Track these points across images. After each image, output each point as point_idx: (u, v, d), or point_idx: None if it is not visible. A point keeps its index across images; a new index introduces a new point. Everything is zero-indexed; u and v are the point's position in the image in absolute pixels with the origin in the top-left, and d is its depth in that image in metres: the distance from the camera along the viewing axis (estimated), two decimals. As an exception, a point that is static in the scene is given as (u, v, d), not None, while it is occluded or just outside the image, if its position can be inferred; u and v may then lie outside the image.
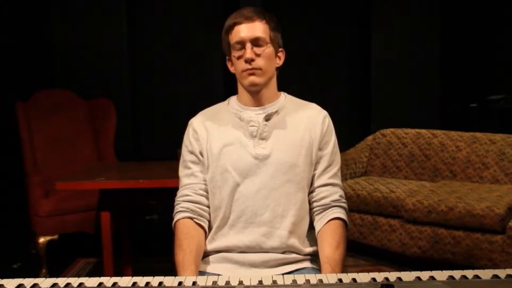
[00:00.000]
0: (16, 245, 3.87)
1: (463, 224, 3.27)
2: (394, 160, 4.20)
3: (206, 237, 1.74)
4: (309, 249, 1.72)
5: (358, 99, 5.59)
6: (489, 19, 5.01)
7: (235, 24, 1.71)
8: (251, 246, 1.67)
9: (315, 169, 1.75)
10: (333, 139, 1.79)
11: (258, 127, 1.72)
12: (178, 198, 1.76)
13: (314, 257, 1.72)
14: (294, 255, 1.69)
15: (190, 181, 1.76)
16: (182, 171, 1.80)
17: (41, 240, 3.59)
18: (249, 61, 1.69)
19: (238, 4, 4.93)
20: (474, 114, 4.87)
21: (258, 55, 1.70)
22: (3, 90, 3.96)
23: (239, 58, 1.71)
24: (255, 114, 1.75)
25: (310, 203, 1.75)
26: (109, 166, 3.83)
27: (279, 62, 1.79)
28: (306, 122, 1.76)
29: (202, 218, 1.73)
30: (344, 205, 1.74)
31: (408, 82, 5.37)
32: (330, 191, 1.73)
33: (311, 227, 1.75)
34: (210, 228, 1.75)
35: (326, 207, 1.71)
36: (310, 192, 1.75)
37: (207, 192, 1.75)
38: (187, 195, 1.74)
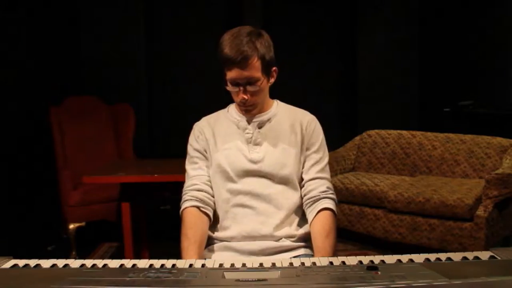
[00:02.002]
0: (50, 230, 3.88)
1: (438, 213, 3.27)
2: (379, 157, 4.20)
3: (211, 222, 1.71)
4: (301, 233, 1.68)
5: (347, 104, 5.59)
6: (462, 38, 5.01)
7: (230, 62, 1.58)
8: (248, 236, 1.65)
9: (303, 167, 1.73)
10: (319, 139, 1.75)
11: (252, 134, 1.71)
12: (186, 188, 1.74)
13: (308, 243, 1.69)
14: (288, 243, 1.66)
15: (196, 173, 1.74)
16: (188, 165, 1.78)
17: (71, 226, 3.60)
18: (243, 101, 1.64)
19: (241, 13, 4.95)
20: (447, 117, 4.86)
21: (251, 92, 1.63)
22: (37, 96, 3.96)
23: (233, 91, 1.65)
24: (250, 123, 1.73)
25: (301, 197, 1.72)
26: (129, 163, 3.83)
27: (272, 80, 1.71)
28: (294, 127, 1.73)
29: (207, 207, 1.70)
30: (332, 196, 1.70)
31: (391, 89, 5.39)
32: (317, 184, 1.70)
33: (303, 214, 1.72)
34: (215, 215, 1.73)
35: (316, 199, 1.68)
36: (301, 187, 1.72)
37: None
38: (194, 184, 1.72)
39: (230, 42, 1.58)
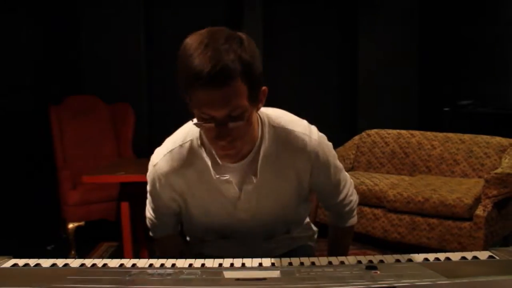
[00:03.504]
0: (49, 230, 3.88)
1: (437, 212, 3.27)
2: (378, 157, 4.20)
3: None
4: (303, 236, 1.63)
5: (346, 103, 5.59)
6: (462, 37, 5.02)
7: (201, 79, 1.03)
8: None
9: (323, 192, 1.52)
10: (328, 166, 1.42)
11: (239, 195, 1.34)
12: (150, 230, 1.55)
13: (312, 237, 1.66)
14: (289, 241, 1.59)
15: (161, 230, 1.52)
16: (149, 213, 1.50)
17: (70, 226, 3.60)
18: (222, 148, 1.17)
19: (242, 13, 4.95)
20: (447, 117, 4.87)
21: (235, 133, 1.13)
22: (37, 95, 3.97)
23: (207, 131, 1.16)
24: (234, 175, 1.30)
25: (300, 217, 1.57)
26: (128, 162, 3.82)
27: (261, 105, 1.20)
28: (294, 168, 1.35)
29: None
30: (354, 211, 1.65)
31: (390, 89, 5.38)
32: (343, 208, 1.62)
33: (304, 229, 1.64)
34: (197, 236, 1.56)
35: (342, 217, 1.66)
36: (324, 205, 1.64)
37: (179, 223, 1.52)
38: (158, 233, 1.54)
39: (201, 50, 1.05)
